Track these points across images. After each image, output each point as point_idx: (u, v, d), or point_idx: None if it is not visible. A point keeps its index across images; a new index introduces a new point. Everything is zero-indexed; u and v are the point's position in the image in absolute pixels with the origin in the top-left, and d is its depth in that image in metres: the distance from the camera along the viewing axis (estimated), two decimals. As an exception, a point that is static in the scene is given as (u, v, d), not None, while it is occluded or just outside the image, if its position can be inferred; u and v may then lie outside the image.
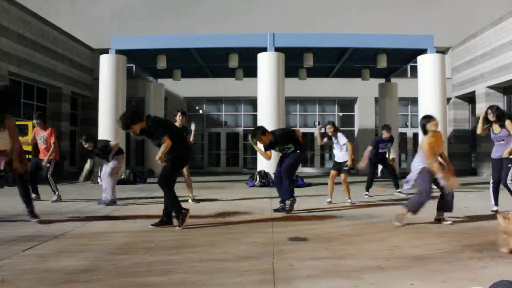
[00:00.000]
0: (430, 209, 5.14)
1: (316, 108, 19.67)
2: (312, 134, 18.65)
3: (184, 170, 6.80)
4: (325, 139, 7.28)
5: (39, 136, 7.35)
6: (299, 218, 5.63)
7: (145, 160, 16.24)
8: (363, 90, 17.67)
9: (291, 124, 18.72)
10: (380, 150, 8.65)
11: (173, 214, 4.94)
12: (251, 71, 13.86)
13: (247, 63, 13.64)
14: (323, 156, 19.41)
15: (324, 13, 18.31)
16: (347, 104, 19.63)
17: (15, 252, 3.64)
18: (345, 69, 15.55)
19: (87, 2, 19.42)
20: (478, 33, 15.69)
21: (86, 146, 6.78)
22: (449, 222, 5.09)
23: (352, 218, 5.62)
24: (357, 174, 12.97)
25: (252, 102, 18.24)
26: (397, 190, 8.54)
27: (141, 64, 14.99)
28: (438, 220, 5.14)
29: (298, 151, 6.17)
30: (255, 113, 14.53)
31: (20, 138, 5.38)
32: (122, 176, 11.06)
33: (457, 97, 17.78)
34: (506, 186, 5.85)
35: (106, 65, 12.33)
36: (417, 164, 5.09)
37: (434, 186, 5.05)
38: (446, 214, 5.17)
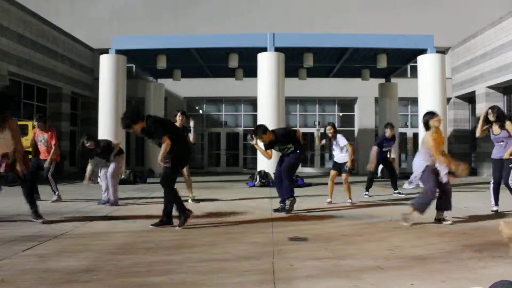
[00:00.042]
0: (429, 209, 5.13)
1: (316, 108, 19.67)
2: (312, 134, 18.64)
3: (184, 170, 6.80)
4: (324, 141, 7.29)
5: (39, 138, 7.37)
6: (299, 218, 5.63)
7: (145, 160, 16.23)
8: (363, 90, 17.67)
9: (291, 124, 18.72)
10: (383, 149, 8.65)
11: (176, 213, 4.93)
12: (251, 71, 13.86)
13: (247, 63, 13.64)
14: (323, 156, 19.40)
15: (324, 13, 18.30)
16: (347, 104, 19.63)
17: (15, 252, 3.64)
18: (345, 69, 15.54)
19: (87, 2, 19.42)
20: (478, 33, 15.69)
21: (87, 145, 6.78)
22: (449, 222, 5.09)
23: (352, 218, 5.62)
24: (357, 174, 12.97)
25: (252, 102, 18.24)
26: (396, 191, 8.54)
27: (141, 64, 14.99)
28: (438, 220, 5.13)
29: (298, 151, 6.17)
30: (255, 113, 14.53)
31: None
32: (122, 176, 11.06)
33: (457, 97, 17.78)
34: (507, 186, 5.88)
35: (106, 65, 12.33)
36: (419, 162, 5.06)
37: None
38: (446, 213, 5.17)
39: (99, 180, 7.15)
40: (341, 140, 7.08)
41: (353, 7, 18.46)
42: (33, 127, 8.02)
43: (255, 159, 13.96)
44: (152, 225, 4.92)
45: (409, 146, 18.77)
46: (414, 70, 16.26)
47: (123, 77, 12.58)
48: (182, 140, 5.16)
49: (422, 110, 11.66)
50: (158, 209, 5.38)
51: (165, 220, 4.96)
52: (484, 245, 3.91)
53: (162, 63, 13.42)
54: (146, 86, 16.34)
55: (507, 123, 5.89)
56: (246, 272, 3.12)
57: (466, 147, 17.67)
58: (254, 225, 5.11)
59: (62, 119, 16.20)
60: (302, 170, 16.51)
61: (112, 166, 6.93)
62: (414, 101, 15.37)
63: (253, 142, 6.22)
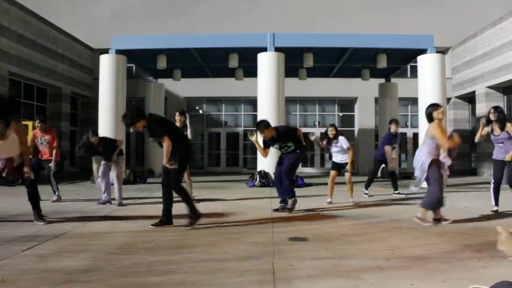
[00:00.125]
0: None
1: (316, 108, 19.66)
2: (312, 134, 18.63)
3: (184, 170, 6.80)
4: (324, 142, 7.30)
5: (40, 140, 7.41)
6: (299, 218, 5.63)
7: (145, 160, 16.22)
8: (363, 90, 17.66)
9: (291, 124, 18.70)
10: (393, 145, 8.64)
11: (177, 213, 4.92)
12: (251, 71, 13.85)
13: (247, 63, 13.64)
14: (323, 156, 19.39)
15: (324, 13, 18.30)
16: (347, 104, 19.63)
17: (15, 252, 3.64)
18: (345, 69, 15.54)
19: (87, 2, 19.41)
20: (478, 33, 15.69)
21: (93, 139, 6.80)
22: (449, 221, 5.08)
23: (352, 218, 5.62)
24: (357, 174, 12.97)
25: (252, 102, 18.23)
26: (396, 191, 8.54)
27: (141, 64, 14.98)
28: (438, 220, 5.13)
29: (298, 151, 6.17)
30: (255, 113, 14.52)
31: None
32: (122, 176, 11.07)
33: (457, 97, 17.77)
34: (511, 185, 5.92)
35: (106, 65, 12.33)
36: (422, 156, 5.03)
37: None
38: (440, 211, 5.13)
39: (98, 180, 7.16)
40: (344, 142, 7.10)
41: (353, 7, 18.45)
42: (33, 127, 8.03)
43: (255, 159, 13.96)
44: (152, 225, 4.92)
45: (409, 146, 18.77)
46: (414, 70, 16.26)
47: (123, 77, 12.57)
48: (182, 140, 5.16)
49: (422, 110, 11.65)
50: (158, 209, 5.38)
51: (165, 220, 4.96)
52: (484, 245, 3.91)
53: (162, 63, 13.42)
54: (146, 86, 16.33)
55: (508, 125, 5.95)
56: (246, 272, 3.12)
57: (466, 147, 17.64)
58: (254, 225, 5.11)
59: (62, 119, 16.20)
60: (302, 170, 16.50)
61: (115, 167, 6.97)
62: (414, 101, 15.37)
63: (253, 138, 6.21)
